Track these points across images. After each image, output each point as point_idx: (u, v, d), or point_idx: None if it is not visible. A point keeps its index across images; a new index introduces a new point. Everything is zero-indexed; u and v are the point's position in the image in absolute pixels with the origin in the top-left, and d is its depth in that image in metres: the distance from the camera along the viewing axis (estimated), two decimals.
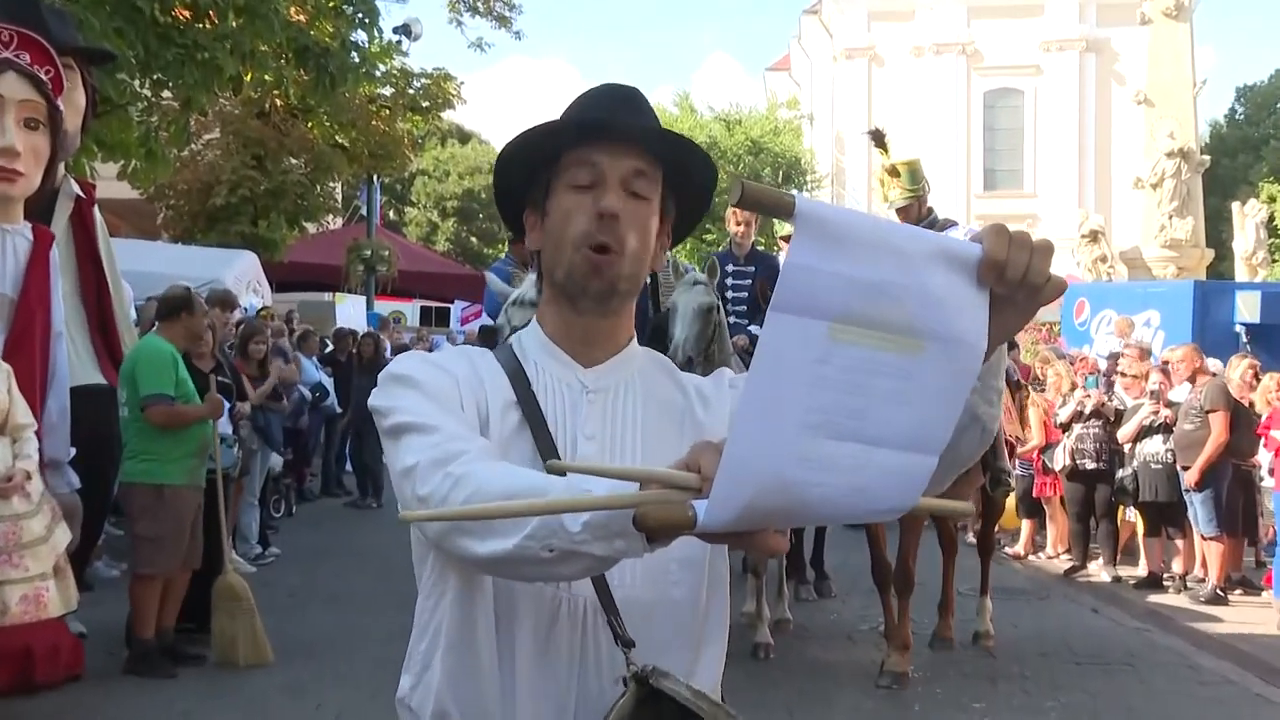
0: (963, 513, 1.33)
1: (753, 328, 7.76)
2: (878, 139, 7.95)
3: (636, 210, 1.62)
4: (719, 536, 1.13)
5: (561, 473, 1.30)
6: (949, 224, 7.98)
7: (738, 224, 8.14)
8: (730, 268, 8.07)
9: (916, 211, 7.57)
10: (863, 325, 1.05)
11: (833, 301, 1.03)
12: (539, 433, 1.59)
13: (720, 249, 9.37)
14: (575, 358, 1.68)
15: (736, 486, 1.06)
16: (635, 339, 1.75)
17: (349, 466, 14.59)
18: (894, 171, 7.58)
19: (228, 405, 7.41)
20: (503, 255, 9.73)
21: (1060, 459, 10.63)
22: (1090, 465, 10.33)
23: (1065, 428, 10.61)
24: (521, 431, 1.59)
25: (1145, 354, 11.26)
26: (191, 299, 6.82)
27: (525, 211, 1.74)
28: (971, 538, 9.84)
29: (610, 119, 1.63)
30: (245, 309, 11.01)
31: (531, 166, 1.69)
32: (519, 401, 1.61)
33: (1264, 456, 9.38)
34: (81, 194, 6.35)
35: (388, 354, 14.95)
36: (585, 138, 1.62)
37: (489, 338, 7.16)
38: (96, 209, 6.34)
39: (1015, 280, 1.16)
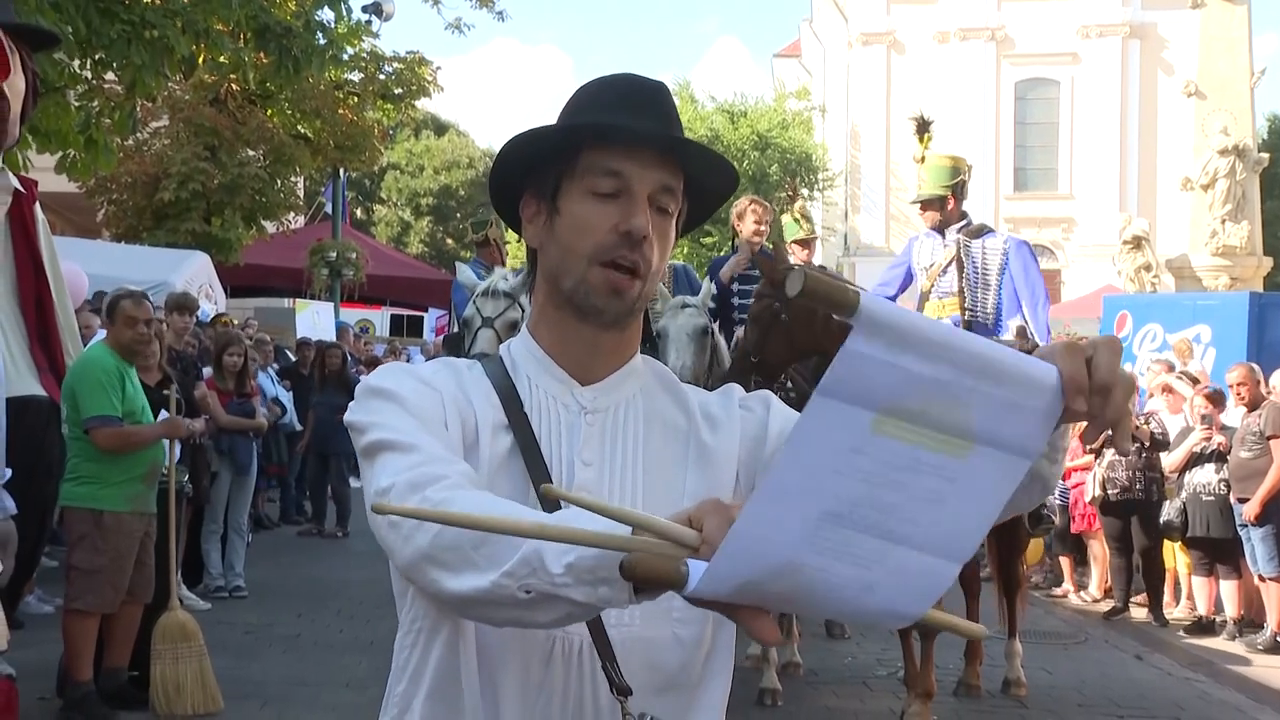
0: (977, 634, 1.35)
1: None
2: (922, 127, 7.99)
3: (660, 227, 1.65)
4: (708, 603, 1.15)
5: (554, 499, 1.32)
6: (985, 230, 7.97)
7: (757, 223, 8.18)
8: (738, 273, 8.10)
9: (947, 210, 7.62)
10: (910, 421, 1.07)
11: (883, 393, 1.05)
12: (532, 457, 1.61)
13: (723, 253, 9.40)
14: (573, 373, 1.70)
15: (737, 563, 1.08)
16: (638, 352, 1.77)
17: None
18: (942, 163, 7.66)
19: None
20: (470, 259, 9.75)
21: (1090, 488, 10.65)
22: (1122, 495, 10.36)
23: (1097, 454, 10.62)
24: (513, 456, 1.61)
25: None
26: (115, 302, 6.69)
27: (524, 199, 1.75)
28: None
29: (646, 130, 1.64)
30: (199, 316, 11.00)
31: (540, 156, 1.70)
32: (510, 423, 1.63)
33: None
34: (21, 188, 6.33)
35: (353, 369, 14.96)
36: (611, 141, 1.63)
37: (455, 347, 7.20)
38: (38, 206, 6.34)
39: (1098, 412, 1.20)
